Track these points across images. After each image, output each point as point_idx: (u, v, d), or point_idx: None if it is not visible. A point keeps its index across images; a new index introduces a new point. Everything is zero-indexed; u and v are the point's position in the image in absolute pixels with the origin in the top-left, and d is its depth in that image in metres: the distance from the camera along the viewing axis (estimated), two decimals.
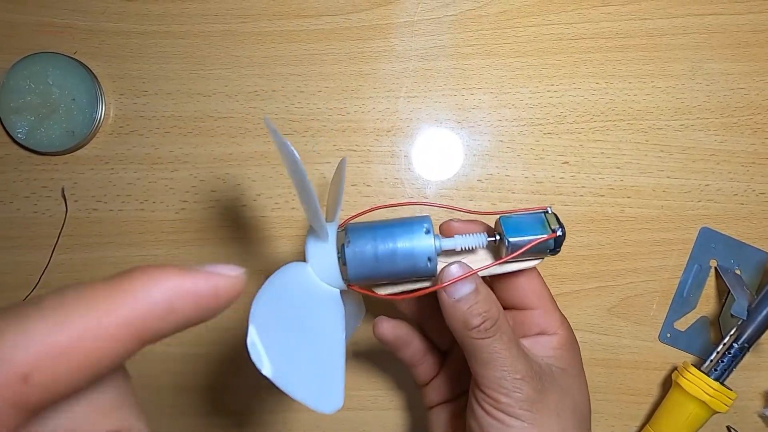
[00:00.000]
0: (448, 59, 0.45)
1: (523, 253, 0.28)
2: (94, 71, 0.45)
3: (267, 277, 0.26)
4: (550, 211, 0.29)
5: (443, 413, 0.34)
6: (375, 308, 0.41)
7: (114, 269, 0.45)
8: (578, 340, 0.44)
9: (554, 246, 0.29)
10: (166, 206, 0.46)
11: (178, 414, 0.46)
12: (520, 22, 0.45)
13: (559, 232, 0.28)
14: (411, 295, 0.29)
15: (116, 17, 0.46)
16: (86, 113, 0.44)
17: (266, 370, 0.23)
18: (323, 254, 0.28)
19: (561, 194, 0.45)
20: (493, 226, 0.31)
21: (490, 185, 0.45)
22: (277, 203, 0.45)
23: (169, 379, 0.45)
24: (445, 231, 0.31)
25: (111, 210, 0.46)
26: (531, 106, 0.45)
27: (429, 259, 0.28)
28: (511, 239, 0.28)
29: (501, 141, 0.45)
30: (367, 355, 0.45)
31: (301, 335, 0.26)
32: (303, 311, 0.28)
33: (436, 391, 0.34)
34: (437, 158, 0.45)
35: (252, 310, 0.24)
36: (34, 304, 0.13)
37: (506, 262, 0.29)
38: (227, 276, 0.16)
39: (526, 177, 0.45)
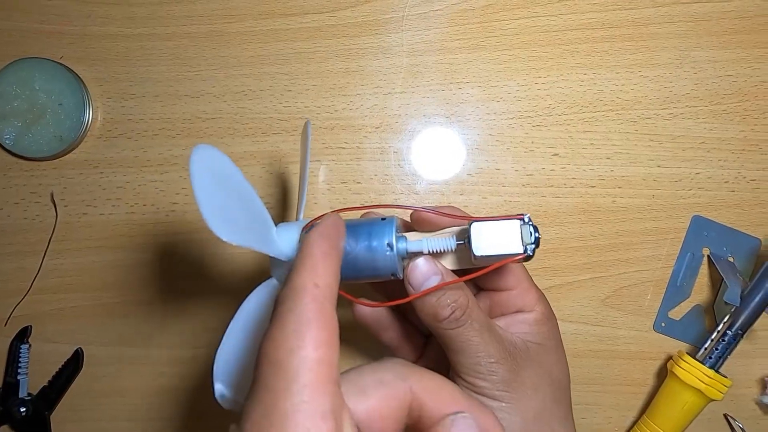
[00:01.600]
0: (435, 54, 0.45)
1: (490, 266, 0.27)
2: (80, 75, 0.45)
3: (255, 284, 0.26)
4: (526, 220, 0.26)
5: None
6: (354, 292, 0.41)
7: (105, 273, 0.45)
8: (573, 332, 0.45)
9: (525, 258, 0.26)
10: (156, 209, 0.45)
11: (180, 416, 0.45)
12: (506, 15, 0.45)
13: (529, 251, 0.26)
14: (383, 304, 0.29)
15: (102, 21, 0.46)
16: (74, 118, 0.44)
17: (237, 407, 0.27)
18: (283, 265, 0.28)
19: (551, 186, 0.45)
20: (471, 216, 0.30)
21: (480, 179, 0.45)
22: (268, 202, 0.45)
23: (168, 381, 0.45)
24: (416, 221, 0.31)
25: (101, 214, 0.46)
26: (519, 98, 0.45)
27: (393, 275, 0.28)
28: (477, 254, 0.26)
29: (490, 134, 0.45)
30: (349, 339, 0.45)
31: None
32: None
33: None
34: (427, 154, 0.45)
35: (214, 367, 0.27)
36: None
37: (471, 277, 0.28)
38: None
39: (517, 170, 0.45)
